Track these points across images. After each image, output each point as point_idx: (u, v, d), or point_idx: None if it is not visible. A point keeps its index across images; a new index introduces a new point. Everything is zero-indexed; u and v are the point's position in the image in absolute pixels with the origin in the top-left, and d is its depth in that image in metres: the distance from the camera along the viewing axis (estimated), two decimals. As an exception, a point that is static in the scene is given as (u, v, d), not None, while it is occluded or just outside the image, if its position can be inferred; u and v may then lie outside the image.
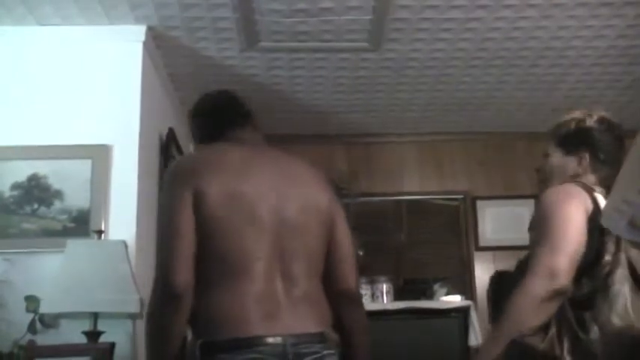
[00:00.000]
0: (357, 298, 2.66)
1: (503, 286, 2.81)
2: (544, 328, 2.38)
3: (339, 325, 2.57)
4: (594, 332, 2.32)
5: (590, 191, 2.52)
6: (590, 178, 2.63)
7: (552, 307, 2.37)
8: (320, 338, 2.38)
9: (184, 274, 2.31)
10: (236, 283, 2.34)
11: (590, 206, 2.46)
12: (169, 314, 2.35)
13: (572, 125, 2.72)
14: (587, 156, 2.65)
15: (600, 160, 2.65)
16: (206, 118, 2.76)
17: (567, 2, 4.22)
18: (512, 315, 2.40)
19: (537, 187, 2.87)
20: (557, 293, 2.35)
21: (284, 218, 2.44)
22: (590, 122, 2.68)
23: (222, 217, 2.38)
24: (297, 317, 2.36)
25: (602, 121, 2.69)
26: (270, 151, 2.65)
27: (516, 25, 4.49)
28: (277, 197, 2.46)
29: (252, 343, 2.26)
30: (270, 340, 2.27)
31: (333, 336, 2.50)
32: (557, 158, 2.74)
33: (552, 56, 4.97)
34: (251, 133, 2.70)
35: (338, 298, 2.56)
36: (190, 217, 2.37)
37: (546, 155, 2.78)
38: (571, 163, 2.68)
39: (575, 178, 2.63)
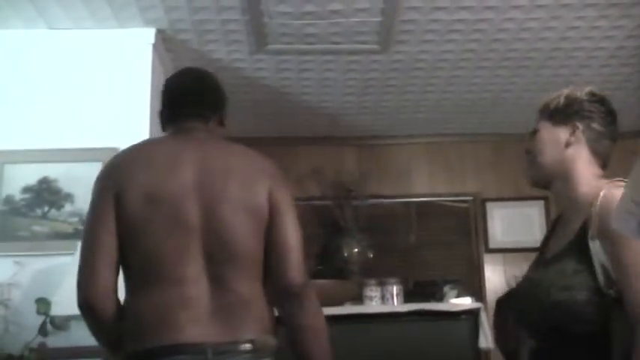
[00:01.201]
0: (300, 294, 2.38)
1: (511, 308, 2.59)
2: None
3: (286, 326, 2.42)
4: None
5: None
6: (584, 150, 2.37)
7: None
8: (249, 347, 2.24)
9: (94, 287, 2.25)
10: (159, 289, 2.24)
11: None
12: (88, 321, 2.34)
13: (562, 99, 2.46)
14: (579, 125, 2.39)
15: (595, 131, 2.39)
16: (162, 105, 2.61)
17: (576, 3, 4.22)
18: None
19: (528, 170, 2.53)
20: None
21: (213, 219, 2.30)
22: (581, 94, 2.44)
23: (143, 220, 2.28)
24: (225, 323, 2.23)
25: (592, 94, 2.45)
26: (208, 145, 2.47)
27: (525, 26, 4.48)
28: (206, 197, 2.32)
29: (177, 350, 2.16)
30: (195, 347, 2.17)
31: (270, 342, 2.34)
32: (547, 131, 2.45)
33: (561, 57, 4.96)
34: (199, 124, 2.53)
35: (280, 296, 2.40)
36: (110, 224, 2.29)
37: (534, 132, 2.50)
38: (562, 134, 2.41)
39: (568, 147, 2.38)
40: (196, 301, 2.24)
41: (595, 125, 2.40)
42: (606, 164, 2.43)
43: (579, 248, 2.21)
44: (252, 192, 2.38)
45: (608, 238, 2.13)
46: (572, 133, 2.40)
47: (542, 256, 2.46)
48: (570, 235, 2.29)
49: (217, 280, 2.27)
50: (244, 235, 2.34)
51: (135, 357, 2.23)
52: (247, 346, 2.24)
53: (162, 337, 2.18)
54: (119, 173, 2.37)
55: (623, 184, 2.18)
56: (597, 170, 2.40)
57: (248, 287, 2.33)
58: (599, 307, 2.14)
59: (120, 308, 2.33)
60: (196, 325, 2.20)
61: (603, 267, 2.15)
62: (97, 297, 2.27)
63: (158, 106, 2.65)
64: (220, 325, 2.23)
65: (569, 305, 2.17)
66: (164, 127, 2.61)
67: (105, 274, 2.27)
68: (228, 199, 2.33)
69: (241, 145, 2.52)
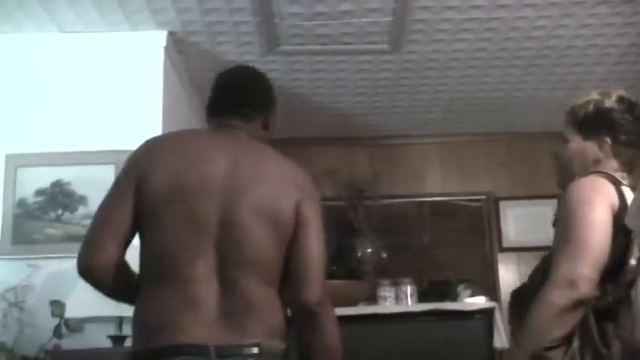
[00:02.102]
0: (317, 313, 2.31)
1: (525, 300, 2.67)
2: (567, 340, 2.24)
3: (300, 340, 2.36)
4: (616, 347, 2.19)
5: (617, 184, 2.37)
6: (613, 163, 2.47)
7: (574, 318, 2.23)
8: (255, 350, 2.18)
9: (96, 260, 2.27)
10: (169, 288, 2.20)
11: (616, 202, 2.30)
12: (92, 285, 2.37)
13: (591, 107, 2.52)
14: (608, 140, 2.47)
15: (622, 143, 2.48)
16: (209, 99, 2.56)
17: (588, 0, 4.20)
18: (532, 327, 2.26)
19: (557, 176, 2.69)
20: (578, 303, 2.21)
21: (231, 221, 2.23)
22: (610, 103, 2.50)
23: (158, 213, 2.25)
24: (231, 326, 2.18)
25: (621, 100, 2.51)
26: (243, 146, 2.40)
27: (537, 24, 4.47)
28: (228, 197, 2.25)
29: (180, 351, 2.13)
30: (198, 349, 2.12)
31: (277, 347, 2.27)
32: (577, 143, 2.55)
33: (574, 55, 4.94)
34: (240, 122, 2.46)
35: (297, 312, 2.33)
36: (125, 204, 2.28)
37: (564, 140, 2.61)
38: (591, 148, 2.50)
39: (597, 164, 2.48)
40: (204, 302, 2.19)
41: (623, 137, 2.48)
42: (632, 170, 2.53)
43: None
44: (277, 201, 2.30)
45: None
46: (601, 148, 2.49)
47: None
48: None
49: (228, 282, 2.22)
50: (262, 241, 2.27)
51: (140, 356, 2.22)
52: (253, 349, 2.18)
53: (166, 337, 2.15)
54: (147, 158, 2.34)
55: (595, 175, 2.41)
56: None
57: (259, 292, 2.26)
58: None
59: (125, 275, 2.35)
60: (202, 326, 2.16)
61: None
62: (95, 271, 2.29)
63: (172, 108, 2.66)
64: (227, 328, 2.18)
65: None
66: (208, 121, 2.56)
67: (109, 249, 2.27)
68: (250, 204, 2.26)
69: (277, 152, 2.44)
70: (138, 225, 2.29)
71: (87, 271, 2.30)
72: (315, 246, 2.33)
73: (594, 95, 2.56)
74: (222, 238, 2.23)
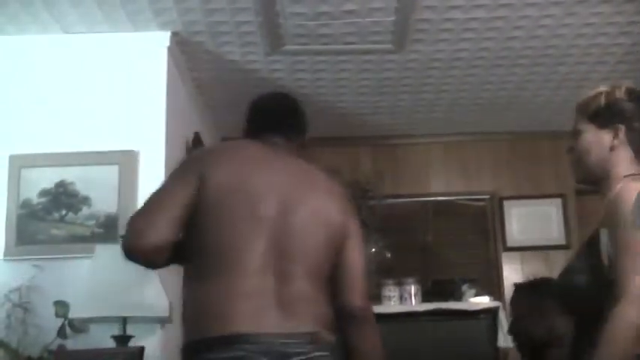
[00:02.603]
0: (361, 318, 2.54)
1: (533, 296, 2.67)
2: None
3: (345, 345, 2.52)
4: None
5: None
6: (627, 152, 2.46)
7: None
8: (310, 338, 2.30)
9: (147, 240, 2.31)
10: (225, 278, 2.30)
11: None
12: (140, 264, 2.44)
13: (602, 99, 2.53)
14: (622, 128, 2.47)
15: (637, 130, 2.48)
16: (251, 116, 2.74)
17: (591, -1, 4.21)
18: (613, 353, 2.12)
19: (573, 170, 2.63)
20: None
21: (288, 221, 2.39)
22: (620, 94, 2.51)
23: (220, 208, 2.36)
24: (287, 316, 2.30)
25: (630, 92, 2.53)
26: (292, 158, 2.61)
27: (540, 23, 4.47)
28: (284, 200, 2.41)
29: (238, 340, 2.20)
30: (257, 337, 2.22)
31: (329, 337, 2.40)
32: (592, 134, 2.53)
33: (577, 54, 4.94)
34: (284, 142, 2.65)
35: (341, 318, 2.49)
36: (187, 188, 2.36)
37: (577, 132, 2.58)
38: (606, 137, 2.49)
39: (612, 152, 2.46)
40: (261, 293, 2.30)
41: (637, 124, 2.48)
42: None
43: (595, 237, 2.34)
44: (330, 209, 2.51)
45: (612, 224, 2.26)
46: (616, 136, 2.47)
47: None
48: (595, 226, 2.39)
49: (282, 275, 2.33)
50: (315, 241, 2.44)
51: (195, 346, 2.27)
52: (307, 338, 2.30)
53: (226, 327, 2.23)
54: (210, 158, 2.50)
55: None
56: (638, 168, 2.47)
57: (311, 285, 2.39)
58: (599, 289, 2.22)
59: (172, 258, 2.42)
60: (260, 316, 2.27)
61: (608, 253, 2.26)
62: (148, 250, 2.34)
63: (175, 108, 2.68)
64: (283, 317, 2.29)
65: (572, 288, 2.33)
66: (249, 135, 2.71)
67: (163, 231, 2.34)
68: (306, 207, 2.45)
69: (319, 169, 2.68)
70: (195, 217, 2.36)
71: (139, 251, 2.35)
72: (360, 257, 2.56)
73: (603, 88, 2.57)
74: (278, 234, 2.37)
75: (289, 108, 2.80)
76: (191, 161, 2.55)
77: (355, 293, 2.51)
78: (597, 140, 2.52)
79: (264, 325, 2.25)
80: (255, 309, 2.27)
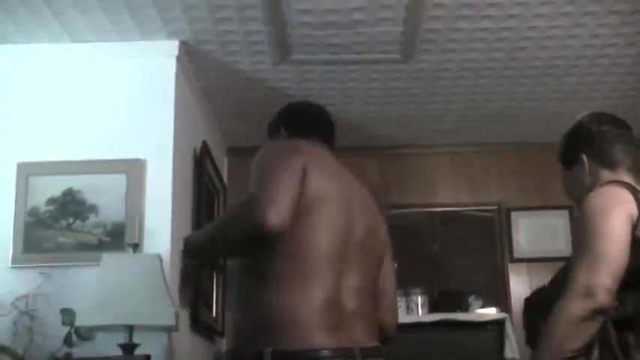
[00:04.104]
0: (392, 335, 2.67)
1: (540, 307, 2.71)
2: (587, 351, 2.25)
3: None
4: (637, 357, 2.20)
5: (635, 193, 2.40)
6: (600, 169, 2.59)
7: (592, 328, 2.24)
8: (379, 351, 2.40)
9: (281, 216, 2.21)
10: (306, 287, 2.28)
11: (635, 212, 2.33)
12: (249, 237, 2.30)
13: (563, 140, 2.76)
14: (584, 157, 2.63)
15: (600, 148, 2.63)
16: (296, 121, 2.80)
17: (599, 10, 4.20)
18: (551, 338, 2.28)
19: (567, 194, 2.87)
20: (596, 313, 2.22)
21: (354, 234, 2.44)
22: (575, 125, 2.75)
23: (317, 209, 2.35)
24: (359, 329, 2.35)
25: (589, 119, 2.72)
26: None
27: (548, 34, 4.46)
28: (352, 211, 2.46)
29: (325, 354, 2.23)
30: (340, 352, 2.25)
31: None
32: (566, 177, 2.77)
33: (585, 65, 4.93)
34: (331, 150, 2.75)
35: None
36: (298, 180, 2.31)
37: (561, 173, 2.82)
38: (578, 172, 2.66)
39: (586, 178, 2.62)
40: (337, 305, 2.32)
41: (596, 145, 2.62)
42: (628, 165, 2.64)
43: None
44: (379, 225, 2.63)
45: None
46: (583, 165, 2.64)
47: None
48: None
49: (349, 287, 2.37)
50: (372, 256, 2.52)
51: (285, 357, 2.24)
52: (379, 351, 2.41)
53: (311, 340, 2.24)
54: (307, 154, 2.46)
55: (613, 185, 2.48)
56: (616, 178, 2.56)
57: (368, 299, 2.46)
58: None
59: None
60: (339, 329, 2.29)
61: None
62: (277, 230, 2.22)
63: (183, 117, 2.68)
64: (363, 329, 2.36)
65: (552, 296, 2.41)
66: (293, 137, 2.76)
67: (289, 214, 2.25)
68: (365, 222, 2.51)
69: None
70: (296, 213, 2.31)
71: (272, 229, 2.21)
72: (392, 275, 2.69)
73: (565, 130, 2.81)
74: (347, 247, 2.40)
75: (332, 118, 2.89)
76: (292, 151, 2.44)
77: (389, 311, 2.62)
78: (572, 180, 2.72)
79: (345, 339, 2.29)
80: (335, 322, 2.29)
